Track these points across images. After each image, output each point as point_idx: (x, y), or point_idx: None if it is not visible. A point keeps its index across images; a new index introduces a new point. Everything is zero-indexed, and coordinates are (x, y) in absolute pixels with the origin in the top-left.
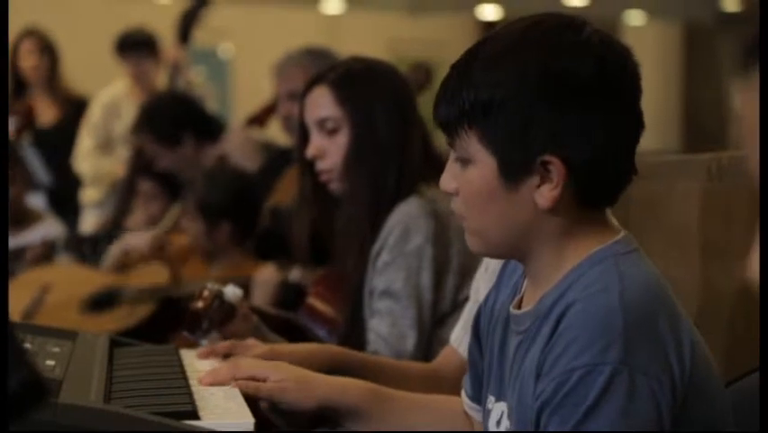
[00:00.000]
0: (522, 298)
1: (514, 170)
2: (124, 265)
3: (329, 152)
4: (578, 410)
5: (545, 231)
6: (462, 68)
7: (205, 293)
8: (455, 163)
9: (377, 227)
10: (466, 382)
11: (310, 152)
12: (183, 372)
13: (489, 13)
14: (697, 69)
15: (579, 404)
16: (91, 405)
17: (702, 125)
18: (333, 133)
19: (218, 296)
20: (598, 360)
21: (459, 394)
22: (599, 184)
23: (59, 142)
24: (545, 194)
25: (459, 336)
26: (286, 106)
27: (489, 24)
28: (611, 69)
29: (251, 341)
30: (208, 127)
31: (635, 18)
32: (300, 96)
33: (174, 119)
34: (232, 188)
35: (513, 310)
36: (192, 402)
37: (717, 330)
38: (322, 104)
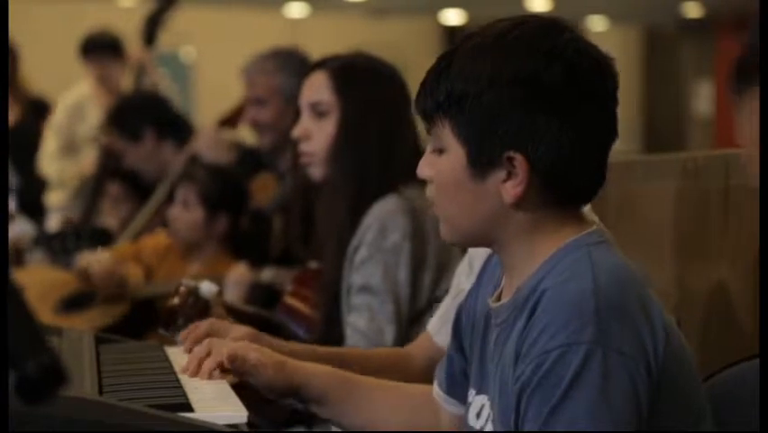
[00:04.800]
0: (501, 291)
1: (481, 162)
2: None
3: (314, 135)
4: (556, 390)
5: (513, 224)
6: (444, 60)
7: (181, 289)
8: (432, 152)
9: (356, 222)
10: (440, 375)
11: (296, 132)
12: (171, 366)
13: (452, 17)
14: (658, 73)
15: (556, 384)
16: (90, 397)
17: (663, 129)
18: (322, 117)
19: (193, 292)
20: (573, 340)
21: (425, 380)
22: (566, 185)
23: (20, 144)
24: (510, 189)
25: (435, 326)
26: (252, 113)
27: (452, 29)
28: (582, 76)
29: (227, 322)
30: (171, 125)
31: (597, 23)
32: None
33: (136, 113)
34: (232, 181)
35: (492, 303)
36: (185, 395)
37: (691, 329)
38: (317, 88)
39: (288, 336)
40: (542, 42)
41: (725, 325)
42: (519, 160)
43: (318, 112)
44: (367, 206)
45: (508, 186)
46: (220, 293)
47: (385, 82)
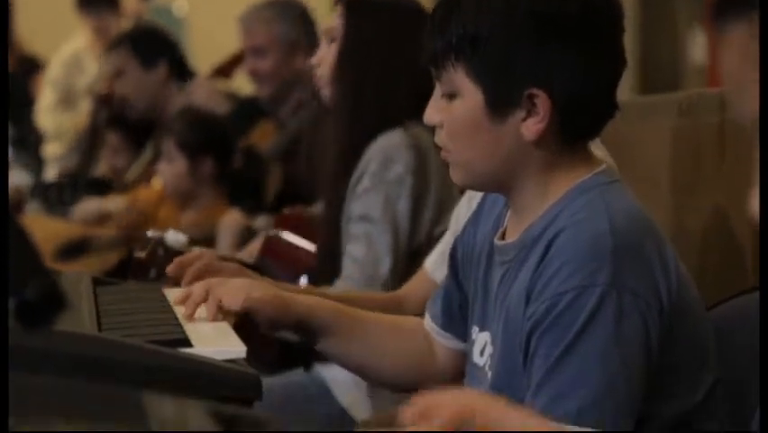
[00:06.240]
0: (505, 229)
1: (500, 102)
2: (96, 222)
3: (325, 59)
4: (569, 332)
5: (530, 163)
6: (451, 2)
7: (147, 241)
8: (441, 98)
9: (353, 150)
10: (434, 308)
11: (314, 59)
12: (169, 305)
13: None
14: (652, 21)
15: (570, 325)
16: (88, 333)
17: (657, 77)
18: (333, 42)
19: (161, 243)
20: (588, 282)
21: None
22: (583, 117)
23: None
24: (531, 127)
25: (435, 262)
26: (251, 62)
27: None
28: (595, 9)
29: (219, 262)
30: (182, 66)
31: None
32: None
33: (157, 41)
34: (209, 123)
35: (497, 242)
36: (183, 332)
37: (688, 265)
38: (335, 15)
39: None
40: None
41: (722, 261)
42: (541, 96)
43: (331, 38)
44: (364, 132)
45: (529, 123)
46: (208, 243)
47: (398, 12)
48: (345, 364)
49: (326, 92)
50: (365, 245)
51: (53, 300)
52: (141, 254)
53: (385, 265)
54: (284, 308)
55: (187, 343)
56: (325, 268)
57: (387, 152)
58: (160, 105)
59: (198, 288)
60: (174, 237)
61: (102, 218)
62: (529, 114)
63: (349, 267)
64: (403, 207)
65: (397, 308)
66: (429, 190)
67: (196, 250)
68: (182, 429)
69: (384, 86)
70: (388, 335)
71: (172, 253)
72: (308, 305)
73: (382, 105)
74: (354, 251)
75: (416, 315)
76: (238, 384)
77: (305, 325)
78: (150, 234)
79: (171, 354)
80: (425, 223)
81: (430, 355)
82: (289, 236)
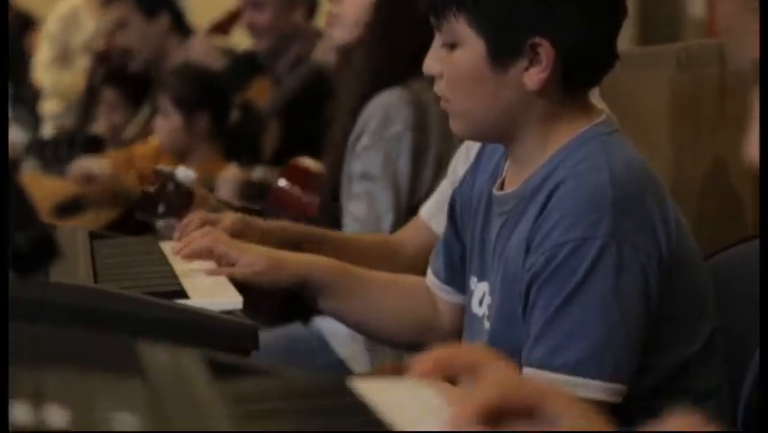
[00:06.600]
0: (504, 180)
1: (503, 52)
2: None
3: None
4: (568, 282)
5: (532, 113)
6: None
7: (157, 175)
8: (441, 48)
9: (368, 92)
10: (436, 263)
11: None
12: (166, 258)
13: None
14: None
15: (569, 276)
16: (84, 284)
17: (657, 29)
18: None
19: (171, 178)
20: (588, 234)
21: (414, 267)
22: (585, 67)
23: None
24: (534, 76)
25: (430, 210)
26: (249, 15)
27: None
28: None
29: (217, 214)
30: (181, 21)
31: None
32: None
33: None
34: (205, 79)
35: (496, 192)
36: (180, 283)
37: (688, 216)
38: None
39: None
40: None
41: (721, 211)
42: (544, 45)
43: None
44: (388, 81)
45: (532, 73)
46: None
47: None
48: (346, 322)
49: (344, 31)
50: (366, 204)
51: (45, 248)
52: (150, 188)
53: (386, 223)
54: (277, 269)
55: (184, 294)
56: (327, 226)
57: (386, 110)
58: (161, 59)
59: (199, 233)
60: (184, 173)
61: (90, 178)
62: (531, 63)
63: (350, 225)
64: (403, 164)
65: (391, 255)
66: (429, 147)
67: (203, 191)
68: (177, 377)
69: (409, 38)
70: (389, 292)
71: (182, 188)
72: (306, 265)
73: (399, 60)
74: (356, 209)
75: (410, 261)
76: (235, 335)
77: (302, 284)
78: (160, 168)
79: (168, 305)
80: (426, 180)
81: (433, 312)
82: (293, 188)
